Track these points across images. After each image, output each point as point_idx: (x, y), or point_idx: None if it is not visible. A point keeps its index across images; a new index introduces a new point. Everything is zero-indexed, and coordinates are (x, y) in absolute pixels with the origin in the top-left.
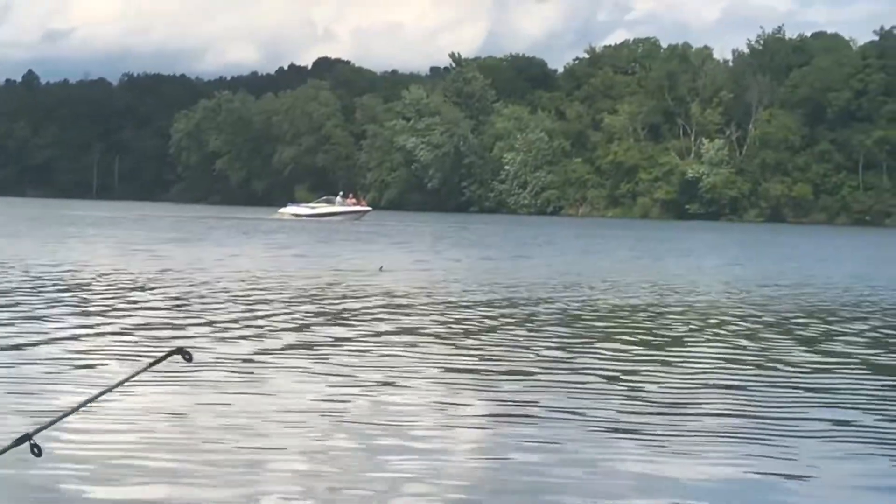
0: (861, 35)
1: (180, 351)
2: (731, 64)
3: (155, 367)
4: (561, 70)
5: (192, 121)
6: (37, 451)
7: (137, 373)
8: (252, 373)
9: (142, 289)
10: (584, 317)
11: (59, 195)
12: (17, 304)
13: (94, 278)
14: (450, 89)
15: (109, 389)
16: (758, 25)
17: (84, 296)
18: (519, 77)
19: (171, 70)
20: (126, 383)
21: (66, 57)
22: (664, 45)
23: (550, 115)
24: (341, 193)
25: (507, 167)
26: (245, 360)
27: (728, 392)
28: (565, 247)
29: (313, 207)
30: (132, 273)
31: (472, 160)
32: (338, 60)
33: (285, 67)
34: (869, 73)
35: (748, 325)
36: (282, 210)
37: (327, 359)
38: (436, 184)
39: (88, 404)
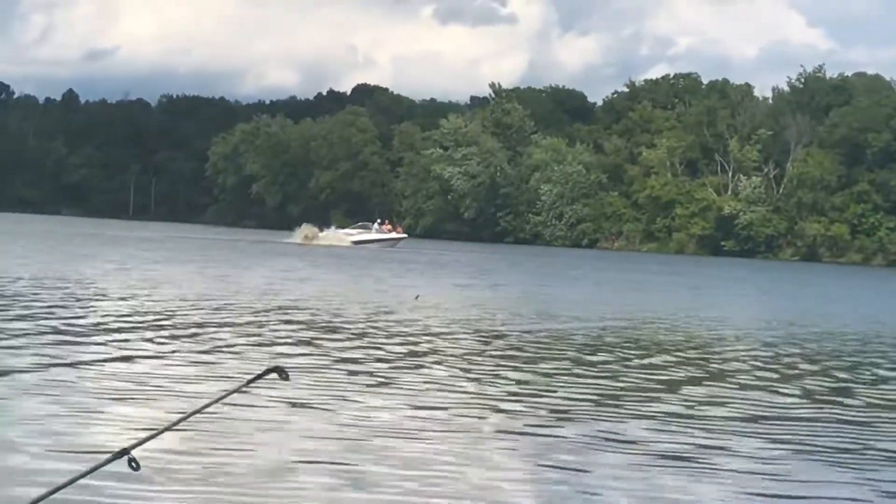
0: None
1: (277, 369)
2: (770, 102)
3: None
4: (600, 103)
5: (229, 143)
6: (134, 465)
7: (235, 390)
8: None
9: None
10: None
11: (94, 215)
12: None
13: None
14: (488, 119)
15: (207, 406)
16: (798, 64)
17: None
18: (558, 109)
19: (211, 91)
20: (222, 400)
21: (106, 76)
22: (705, 80)
23: (588, 147)
24: (378, 220)
25: (543, 199)
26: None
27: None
28: (595, 279)
29: (349, 234)
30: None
31: (508, 191)
32: (377, 87)
33: (324, 93)
34: None
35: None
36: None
37: (389, 384)
38: (472, 213)
39: (186, 420)
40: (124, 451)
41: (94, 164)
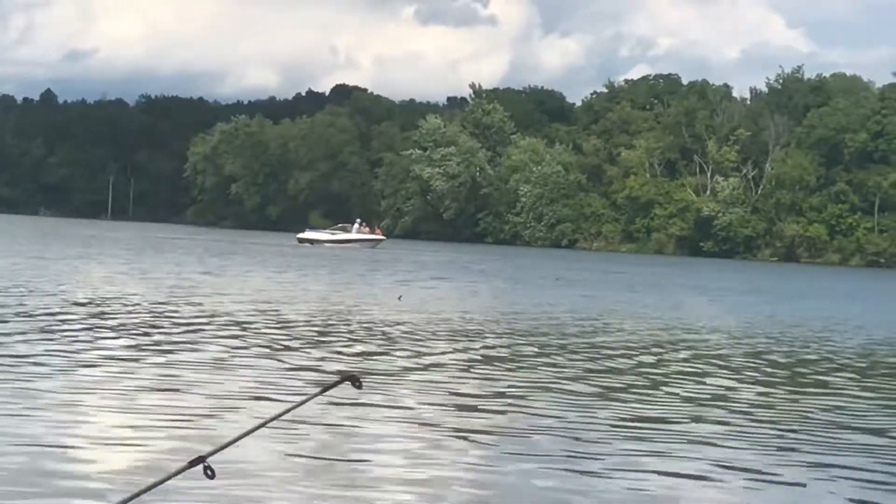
0: (882, 78)
1: (351, 378)
2: (748, 102)
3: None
4: (579, 104)
5: (209, 144)
6: (210, 472)
7: (309, 398)
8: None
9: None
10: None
11: (73, 215)
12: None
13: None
14: (468, 120)
15: (282, 414)
16: (778, 65)
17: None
18: (537, 110)
19: (191, 92)
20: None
21: (86, 77)
22: (685, 81)
23: (567, 148)
24: (358, 221)
25: (522, 199)
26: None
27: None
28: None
29: (333, 234)
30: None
31: (487, 191)
32: (356, 87)
33: (303, 93)
34: (886, 115)
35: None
36: (300, 235)
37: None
38: (451, 214)
39: (261, 428)
40: (200, 459)
41: (72, 164)
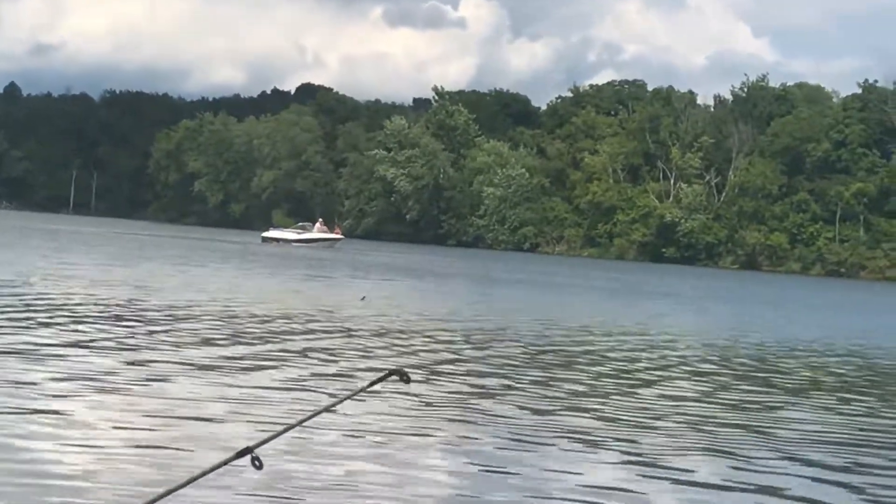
0: (847, 88)
1: (399, 372)
2: (713, 109)
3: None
4: (545, 107)
5: (172, 140)
6: (258, 463)
7: (356, 392)
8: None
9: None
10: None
11: (35, 209)
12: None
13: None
14: (432, 122)
15: (329, 407)
16: (743, 73)
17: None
18: (501, 113)
19: (156, 88)
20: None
21: (53, 71)
22: (651, 87)
23: (531, 152)
24: (321, 220)
25: (486, 202)
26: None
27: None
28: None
29: (299, 233)
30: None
31: (451, 194)
32: (321, 87)
33: (269, 91)
34: (849, 125)
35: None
36: (265, 234)
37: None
38: (414, 215)
39: (308, 421)
40: (248, 450)
41: (35, 158)
